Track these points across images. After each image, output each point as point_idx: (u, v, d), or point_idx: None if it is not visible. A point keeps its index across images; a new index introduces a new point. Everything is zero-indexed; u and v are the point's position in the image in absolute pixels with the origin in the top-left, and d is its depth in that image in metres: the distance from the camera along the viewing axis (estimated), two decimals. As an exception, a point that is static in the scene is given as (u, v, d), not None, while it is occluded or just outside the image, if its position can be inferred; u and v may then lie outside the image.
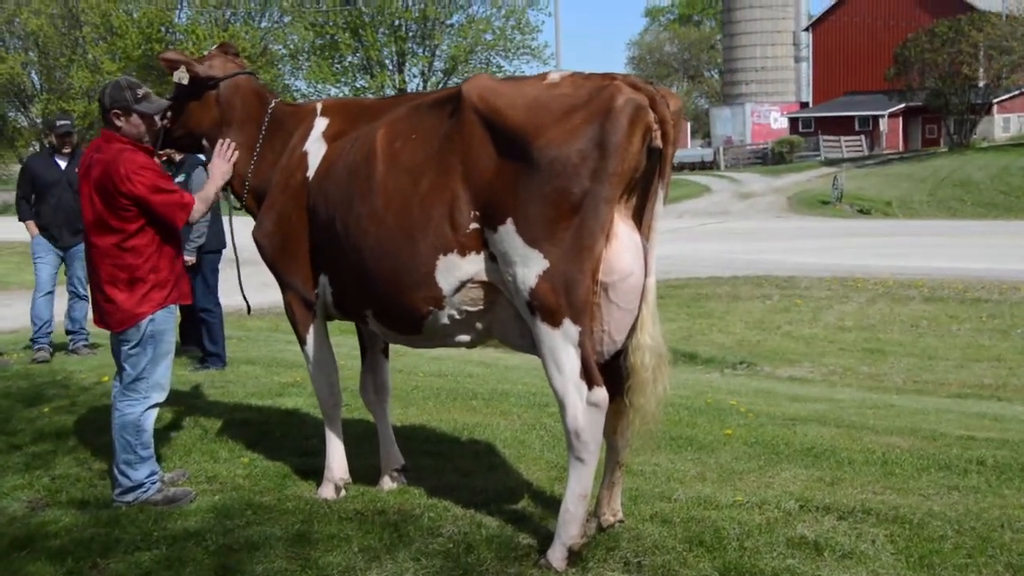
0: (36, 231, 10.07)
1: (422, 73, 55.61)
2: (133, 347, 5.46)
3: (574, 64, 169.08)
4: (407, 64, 55.46)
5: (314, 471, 5.72)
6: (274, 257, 5.37)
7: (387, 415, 5.66)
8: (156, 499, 5.48)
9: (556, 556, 4.40)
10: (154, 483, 5.54)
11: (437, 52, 55.32)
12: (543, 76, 4.41)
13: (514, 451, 6.19)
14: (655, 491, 5.33)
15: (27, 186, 10.09)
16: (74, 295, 10.16)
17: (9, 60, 53.48)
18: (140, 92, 5.46)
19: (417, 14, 52.33)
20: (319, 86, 53.55)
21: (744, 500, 5.11)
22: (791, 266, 20.17)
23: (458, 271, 4.53)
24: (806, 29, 63.77)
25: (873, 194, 37.93)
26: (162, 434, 6.69)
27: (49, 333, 10.14)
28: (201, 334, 9.42)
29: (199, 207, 5.48)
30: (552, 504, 5.04)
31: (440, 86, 54.60)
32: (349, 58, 55.15)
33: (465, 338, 4.82)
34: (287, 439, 6.57)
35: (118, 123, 5.43)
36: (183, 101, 5.57)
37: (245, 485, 5.72)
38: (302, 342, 5.45)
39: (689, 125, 77.22)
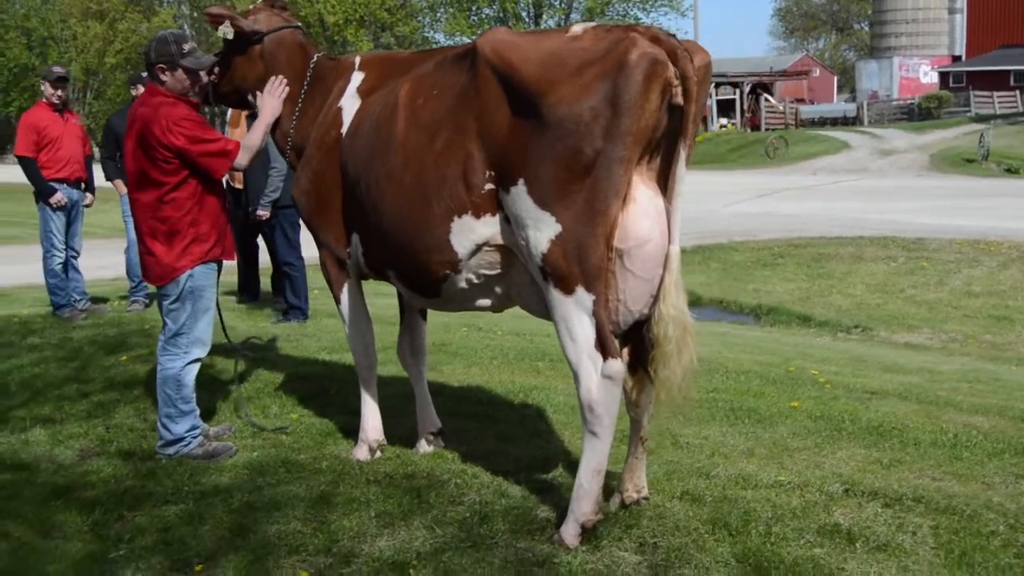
0: (124, 189, 10.25)
1: (558, 26, 55.00)
2: (173, 302, 5.47)
3: (713, 18, 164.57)
4: (543, 16, 54.99)
5: (358, 430, 5.64)
6: (310, 215, 5.28)
7: (423, 377, 5.53)
8: (196, 453, 5.52)
9: (569, 533, 4.21)
10: (195, 437, 5.57)
11: (574, 4, 54.64)
12: (567, 28, 4.15)
13: (563, 417, 5.99)
14: (695, 466, 5.06)
15: (111, 145, 9.94)
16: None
17: (162, 14, 55.41)
18: (186, 47, 5.42)
19: (554, -35, 51.78)
20: (456, 37, 53.64)
21: (786, 480, 4.80)
22: (921, 227, 19.19)
23: (473, 234, 4.34)
24: (962, -23, 60.51)
25: (1023, 152, 35.79)
26: (220, 386, 6.76)
27: (145, 287, 10.37)
28: (284, 287, 9.49)
29: (243, 154, 5.42)
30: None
31: (576, 39, 54.05)
32: (486, 10, 55.04)
33: (486, 302, 4.64)
34: (341, 396, 6.53)
35: (163, 77, 5.40)
36: (229, 56, 5.49)
37: (286, 442, 5.71)
38: (337, 301, 5.36)
39: (836, 79, 74.45)
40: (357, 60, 5.28)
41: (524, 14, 54.73)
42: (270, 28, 5.42)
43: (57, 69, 9.68)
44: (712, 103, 54.58)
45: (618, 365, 4.07)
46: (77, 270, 9.98)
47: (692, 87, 3.88)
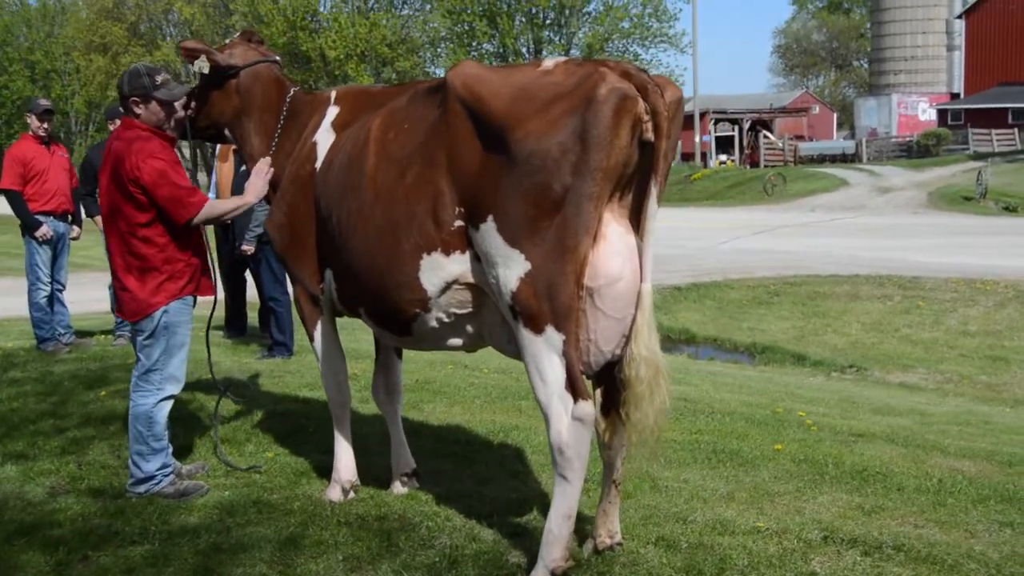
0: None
1: (559, 62, 55.18)
2: (147, 337, 5.39)
3: (713, 53, 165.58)
4: (543, 52, 55.21)
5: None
6: (283, 250, 5.21)
7: (398, 416, 5.44)
8: (167, 492, 5.41)
9: (538, 579, 4.10)
10: (166, 475, 5.47)
11: (574, 40, 54.86)
12: (538, 63, 4.09)
13: (541, 458, 5.89)
14: (672, 511, 4.96)
15: (90, 181, 9.56)
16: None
17: (164, 47, 55.70)
18: (159, 78, 5.37)
19: (554, 2, 52.02)
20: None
21: (765, 527, 4.70)
22: (918, 265, 19.13)
23: (442, 271, 4.26)
24: (960, 16, 60.69)
25: (1021, 190, 35.76)
26: (197, 422, 6.68)
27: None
28: (270, 322, 9.41)
29: (208, 211, 5.32)
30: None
31: (575, 74, 54.27)
32: (486, 45, 55.26)
33: (457, 341, 4.55)
34: (319, 434, 6.42)
35: (137, 110, 5.36)
36: (206, 90, 5.45)
37: (259, 481, 5.60)
38: (310, 338, 5.28)
39: (835, 116, 74.65)
40: (332, 94, 5.23)
41: (524, 50, 54.93)
42: (246, 62, 5.37)
43: (43, 102, 9.64)
44: (711, 139, 54.77)
45: (589, 407, 3.98)
46: (63, 303, 9.90)
47: (663, 122, 3.82)
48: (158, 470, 5.44)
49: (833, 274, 18.81)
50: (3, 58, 64.68)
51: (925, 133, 53.06)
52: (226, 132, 5.53)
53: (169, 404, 5.51)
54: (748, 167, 52.83)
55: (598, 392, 4.30)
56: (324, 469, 5.66)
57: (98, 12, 58.78)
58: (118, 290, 5.46)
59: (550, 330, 3.94)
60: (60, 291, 9.84)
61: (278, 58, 5.56)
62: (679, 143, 4.13)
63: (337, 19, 50.66)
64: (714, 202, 39.76)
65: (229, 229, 9.45)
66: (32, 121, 9.49)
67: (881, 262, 19.83)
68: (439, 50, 57.27)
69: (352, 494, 5.30)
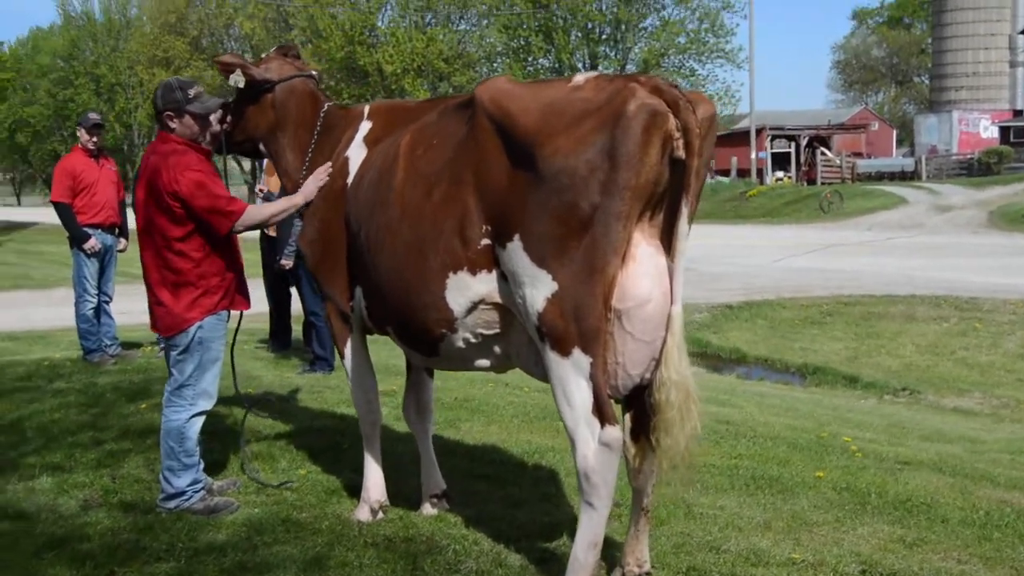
0: None
1: (615, 77, 55.00)
2: (181, 352, 5.38)
3: (771, 69, 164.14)
4: (599, 67, 55.12)
5: (362, 489, 5.49)
6: (315, 266, 5.17)
7: (429, 436, 5.37)
8: (197, 508, 5.39)
9: (562, 608, 4.00)
10: (197, 491, 5.45)
11: (630, 56, 54.72)
12: (569, 78, 4.01)
13: (575, 481, 5.74)
14: (705, 539, 4.82)
15: None
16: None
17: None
18: (192, 92, 5.37)
19: (610, 17, 51.97)
20: (511, 88, 53.86)
21: (800, 558, 4.55)
22: (976, 286, 18.69)
23: (468, 291, 4.19)
24: (1023, 32, 59.56)
25: (1087, 210, 34.94)
26: (230, 438, 6.64)
27: None
28: (312, 336, 9.41)
29: (249, 217, 5.29)
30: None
31: (631, 90, 54.10)
32: (541, 60, 55.32)
33: (485, 363, 4.47)
34: (354, 451, 6.35)
35: (172, 124, 5.36)
36: (242, 104, 5.45)
37: (289, 499, 5.56)
38: (341, 355, 5.23)
39: (895, 133, 73.61)
40: (366, 109, 5.20)
41: (580, 65, 54.89)
42: (281, 77, 5.36)
43: (93, 116, 9.77)
44: (767, 156, 54.19)
45: (616, 432, 3.88)
46: (109, 315, 10.00)
47: (694, 140, 3.71)
48: (188, 486, 5.42)
49: (888, 294, 18.44)
50: (70, 72, 66.13)
51: (986, 151, 52.05)
52: (260, 147, 5.51)
53: (201, 420, 5.49)
54: (805, 184, 52.21)
55: (627, 417, 4.19)
56: (356, 488, 5.59)
57: (161, 27, 60.02)
58: (152, 304, 5.45)
59: (577, 353, 3.85)
60: (107, 303, 9.95)
61: (314, 73, 5.53)
62: (713, 160, 4.02)
63: (395, 34, 51.02)
64: (769, 219, 39.32)
65: (274, 242, 9.48)
66: (82, 134, 9.61)
67: (938, 282, 19.42)
68: (495, 65, 57.43)
69: (381, 514, 5.24)
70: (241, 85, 5.33)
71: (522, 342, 4.20)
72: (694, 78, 52.43)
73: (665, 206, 3.88)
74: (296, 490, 5.71)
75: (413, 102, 5.17)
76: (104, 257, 9.74)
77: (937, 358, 15.18)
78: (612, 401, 3.99)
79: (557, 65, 54.30)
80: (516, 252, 3.92)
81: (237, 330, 5.78)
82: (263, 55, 5.65)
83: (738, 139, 55.79)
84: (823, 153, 55.29)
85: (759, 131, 53.31)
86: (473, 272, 4.15)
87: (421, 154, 4.40)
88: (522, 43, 53.74)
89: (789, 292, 18.99)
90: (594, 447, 3.87)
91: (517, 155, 3.91)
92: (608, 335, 3.85)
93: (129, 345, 10.63)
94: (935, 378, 13.94)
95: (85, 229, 9.48)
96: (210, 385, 5.47)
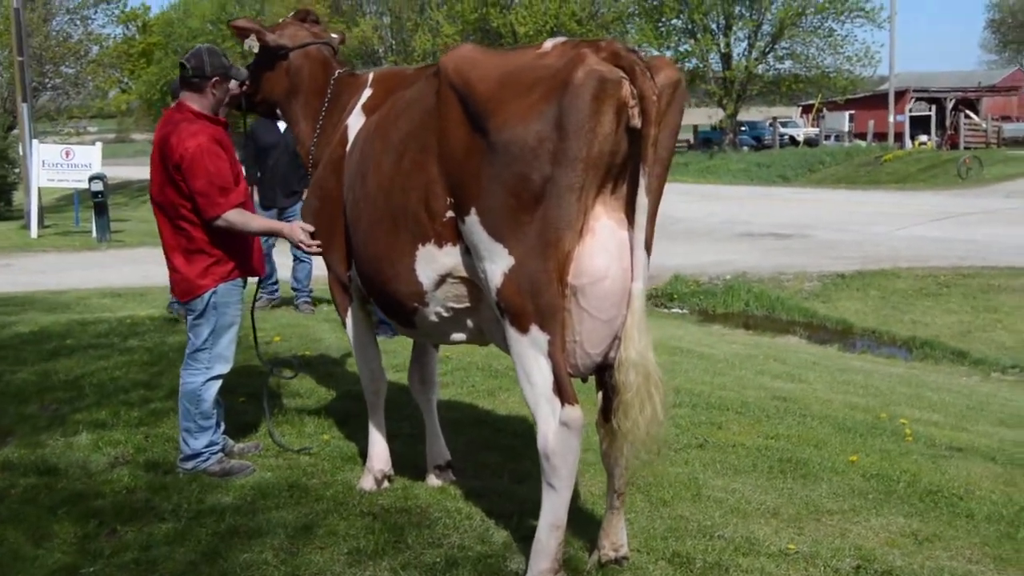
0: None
1: (748, 37, 53.53)
2: (196, 317, 5.44)
3: (919, 30, 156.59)
4: (733, 28, 53.67)
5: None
6: (317, 235, 5.14)
7: (433, 407, 5.31)
8: (213, 470, 5.47)
9: (527, 590, 3.90)
10: (214, 453, 5.54)
11: (766, 16, 53.07)
12: (540, 45, 3.84)
13: (591, 456, 5.62)
14: (702, 524, 4.64)
15: (252, 155, 10.13)
16: (296, 256, 10.49)
17: (363, 24, 57.39)
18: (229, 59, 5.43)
19: (747, -25, 50.54)
20: (643, 48, 53.04)
21: (794, 550, 4.33)
22: (1110, 259, 17.56)
23: (435, 263, 4.09)
24: None
25: None
26: (268, 399, 6.71)
27: (274, 290, 10.97)
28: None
29: (234, 219, 5.23)
30: (582, 525, 4.53)
31: (766, 51, 52.59)
32: (674, 21, 54.22)
33: (460, 336, 4.38)
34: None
35: (215, 91, 5.37)
36: (258, 69, 5.45)
37: (304, 464, 5.60)
38: (343, 325, 5.21)
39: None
40: (370, 76, 5.12)
41: (714, 25, 53.55)
42: (295, 43, 5.32)
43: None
44: (905, 119, 51.96)
45: (576, 412, 3.75)
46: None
47: (650, 107, 3.51)
48: (205, 447, 5.50)
49: (1011, 266, 17.48)
50: (218, 35, 67.96)
51: None
52: (277, 111, 5.52)
53: (218, 383, 5.55)
54: (948, 149, 49.91)
55: (599, 396, 4.04)
56: (374, 455, 5.60)
57: (304, -11, 61.10)
58: (169, 270, 5.53)
59: (535, 330, 3.72)
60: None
61: (330, 39, 5.47)
62: (679, 128, 3.80)
63: (526, -6, 50.86)
64: (902, 185, 37.69)
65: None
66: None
67: (1068, 254, 18.31)
68: (627, 26, 56.58)
69: (385, 483, 5.22)
70: (256, 50, 5.34)
71: (491, 317, 4.09)
72: (832, 38, 50.61)
73: (628, 178, 3.69)
74: (314, 455, 5.74)
75: (411, 69, 5.06)
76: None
77: (1057, 336, 14.35)
78: (579, 380, 3.85)
79: (690, 25, 53.14)
80: (474, 225, 3.81)
81: (256, 296, 5.82)
82: (280, 20, 5.62)
83: (875, 102, 53.65)
84: (967, 116, 52.68)
85: (903, 93, 51.15)
86: (439, 245, 4.05)
87: (393, 122, 4.32)
88: (655, 3, 52.69)
89: (906, 262, 18.20)
90: (554, 427, 3.75)
91: (473, 125, 3.78)
92: (566, 312, 3.70)
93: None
94: (1052, 356, 13.17)
95: None
96: (226, 349, 5.53)
